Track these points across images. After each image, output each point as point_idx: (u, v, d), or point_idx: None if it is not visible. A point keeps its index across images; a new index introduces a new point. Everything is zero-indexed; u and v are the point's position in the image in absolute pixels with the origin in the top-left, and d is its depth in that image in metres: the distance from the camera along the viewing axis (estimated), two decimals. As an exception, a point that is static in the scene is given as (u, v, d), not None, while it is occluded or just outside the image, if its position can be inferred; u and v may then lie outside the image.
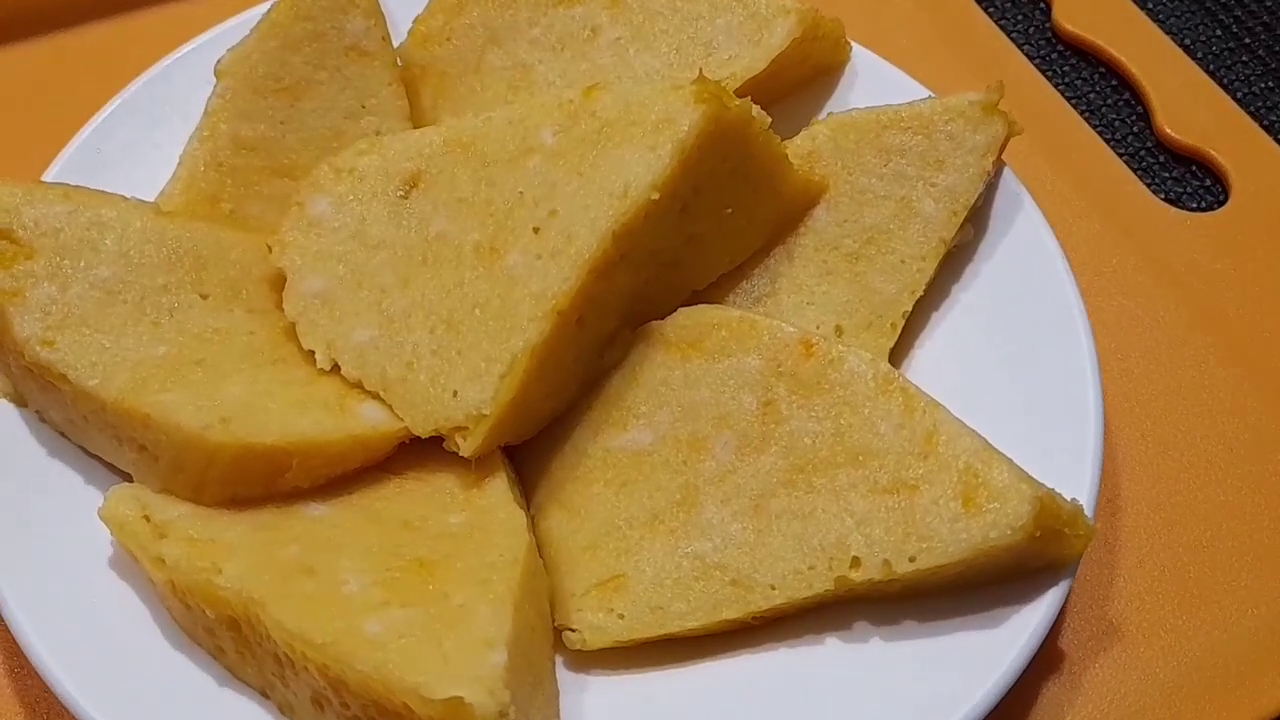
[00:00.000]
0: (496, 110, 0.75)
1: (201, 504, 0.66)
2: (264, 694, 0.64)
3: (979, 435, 0.67)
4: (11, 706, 0.71)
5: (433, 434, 0.68)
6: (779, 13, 0.83)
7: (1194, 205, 0.98)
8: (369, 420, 0.68)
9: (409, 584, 0.62)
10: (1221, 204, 0.97)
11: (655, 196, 0.69)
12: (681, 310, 0.74)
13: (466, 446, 0.67)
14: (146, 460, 0.66)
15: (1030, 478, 0.65)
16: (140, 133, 0.84)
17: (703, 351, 0.73)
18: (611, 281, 0.70)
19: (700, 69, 0.72)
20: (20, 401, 0.71)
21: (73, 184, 0.74)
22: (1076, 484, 0.70)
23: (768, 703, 0.66)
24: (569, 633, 0.68)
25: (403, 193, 0.74)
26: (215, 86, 0.80)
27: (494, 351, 0.68)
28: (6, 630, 0.65)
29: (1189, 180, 1.00)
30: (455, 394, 0.68)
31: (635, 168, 0.69)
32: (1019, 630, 0.66)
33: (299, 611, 0.59)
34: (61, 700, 0.62)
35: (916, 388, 0.69)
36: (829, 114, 0.84)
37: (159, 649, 0.65)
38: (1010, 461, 0.66)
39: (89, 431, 0.68)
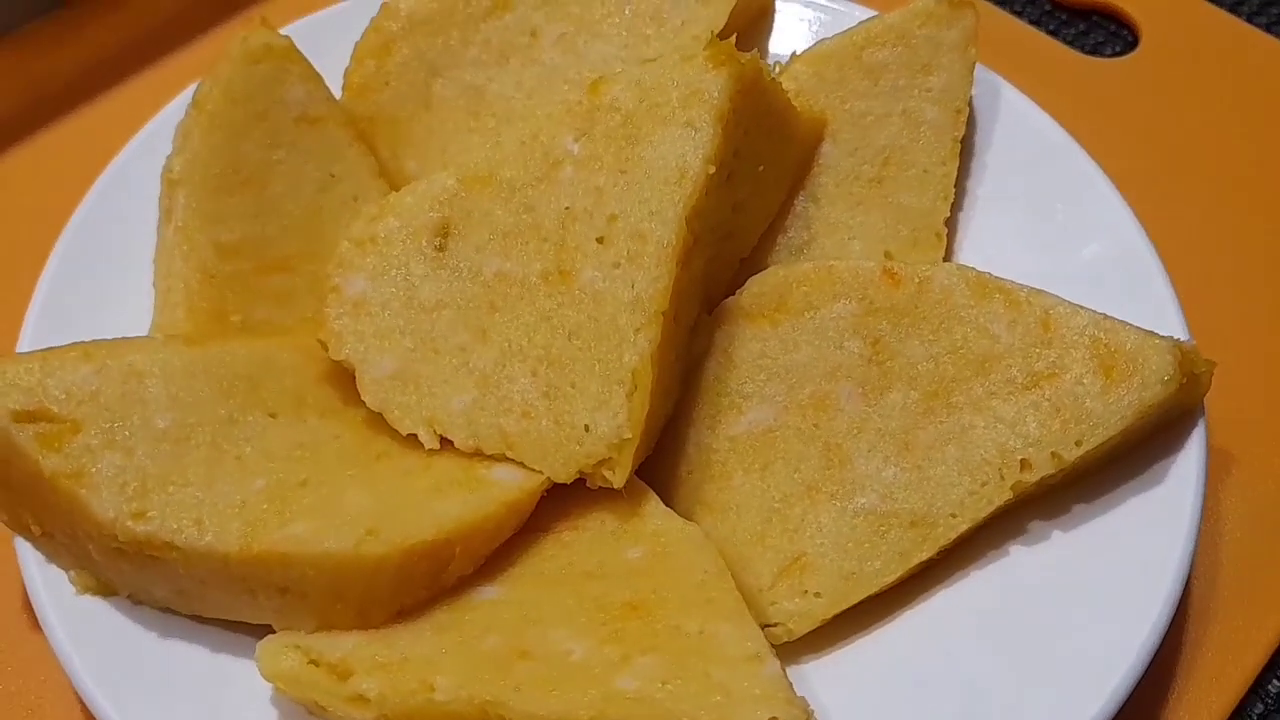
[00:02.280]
0: (502, 135, 0.71)
1: (368, 627, 0.60)
2: (511, 799, 0.59)
3: (1086, 308, 0.67)
4: None
5: (575, 477, 0.64)
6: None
7: (1109, 52, 1.02)
8: (508, 482, 0.63)
9: (634, 630, 0.58)
10: (1134, 46, 1.01)
11: (712, 170, 0.66)
12: (752, 279, 0.72)
13: (617, 477, 0.63)
14: (292, 602, 0.60)
15: (1152, 331, 0.66)
16: (96, 270, 0.76)
17: (789, 312, 0.71)
18: (689, 269, 0.68)
19: (714, 34, 0.70)
20: (107, 590, 0.63)
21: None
22: (1169, 326, 0.71)
23: (992, 626, 0.65)
24: (769, 629, 0.65)
25: (437, 245, 0.69)
26: (174, 198, 0.73)
27: (610, 373, 0.64)
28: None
29: (1095, 32, 1.04)
30: (587, 429, 0.64)
31: (681, 147, 0.67)
32: (1185, 478, 0.67)
33: (542, 697, 0.55)
34: None
35: (1011, 281, 0.69)
36: (791, 54, 0.83)
37: (378, 794, 0.59)
38: (1127, 323, 0.66)
39: (208, 594, 0.61)
